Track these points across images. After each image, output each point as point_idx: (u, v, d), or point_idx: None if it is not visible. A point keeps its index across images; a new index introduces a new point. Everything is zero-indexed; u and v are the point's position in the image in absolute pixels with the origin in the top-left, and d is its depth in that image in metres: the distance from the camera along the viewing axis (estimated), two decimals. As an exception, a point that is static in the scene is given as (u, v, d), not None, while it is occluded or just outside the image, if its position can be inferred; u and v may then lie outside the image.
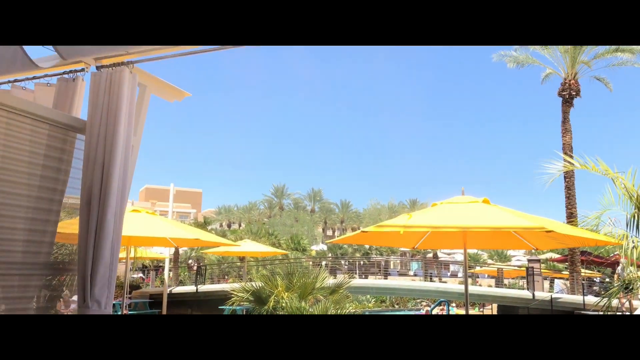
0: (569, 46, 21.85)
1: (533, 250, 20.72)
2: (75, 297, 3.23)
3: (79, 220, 3.28)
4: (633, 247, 6.38)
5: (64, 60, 3.60)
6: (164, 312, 16.63)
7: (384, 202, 77.46)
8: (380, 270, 36.39)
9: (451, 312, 19.88)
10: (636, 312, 9.85)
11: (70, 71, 3.74)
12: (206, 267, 28.03)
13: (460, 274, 42.43)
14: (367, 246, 48.12)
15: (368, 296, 27.85)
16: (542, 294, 18.73)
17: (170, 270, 23.50)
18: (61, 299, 3.59)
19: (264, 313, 9.67)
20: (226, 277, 33.14)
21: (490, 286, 27.32)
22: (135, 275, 32.07)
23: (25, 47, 3.53)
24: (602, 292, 15.61)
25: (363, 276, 30.98)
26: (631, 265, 7.02)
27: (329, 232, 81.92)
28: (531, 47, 23.25)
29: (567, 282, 21.81)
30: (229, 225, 76.21)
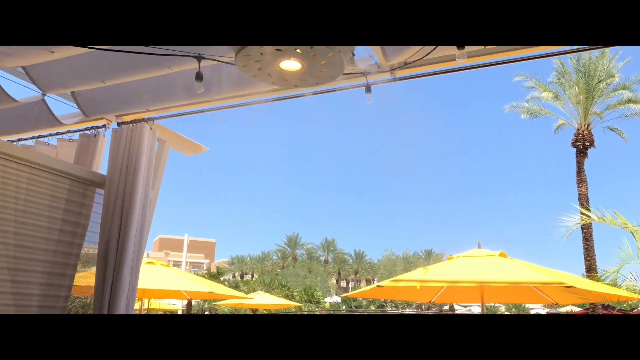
0: (581, 97, 22.02)
1: (553, 304, 20.17)
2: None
3: (95, 272, 3.29)
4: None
5: (86, 117, 3.72)
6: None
7: (399, 253, 76.53)
8: (395, 323, 35.48)
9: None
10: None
11: (92, 127, 3.85)
12: (218, 319, 27.59)
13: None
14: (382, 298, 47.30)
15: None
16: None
17: (182, 322, 23.15)
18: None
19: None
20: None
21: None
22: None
23: (50, 104, 3.67)
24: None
25: (378, 329, 30.22)
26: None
27: (343, 284, 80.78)
28: (543, 99, 23.47)
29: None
30: (241, 276, 75.60)
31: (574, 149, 22.69)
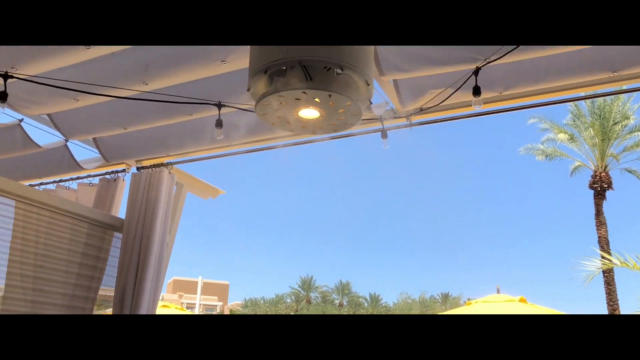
0: (597, 139, 21.94)
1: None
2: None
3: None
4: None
5: (107, 162, 3.79)
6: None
7: (415, 296, 75.09)
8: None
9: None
10: None
11: (112, 172, 3.92)
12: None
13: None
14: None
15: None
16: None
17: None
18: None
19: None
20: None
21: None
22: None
23: (72, 149, 3.75)
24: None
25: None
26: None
27: (358, 328, 79.06)
28: (558, 140, 23.40)
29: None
30: (255, 319, 74.47)
31: (592, 191, 22.44)
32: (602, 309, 20.55)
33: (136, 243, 3.46)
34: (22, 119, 3.41)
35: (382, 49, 2.48)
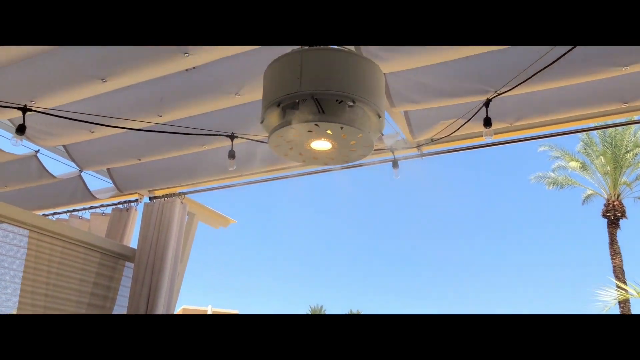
0: (609, 167, 21.79)
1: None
2: None
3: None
4: None
5: (120, 192, 3.82)
6: None
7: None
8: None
9: None
10: None
11: (125, 201, 3.95)
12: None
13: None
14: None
15: None
16: None
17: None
18: None
19: None
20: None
21: None
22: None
23: (85, 179, 3.80)
24: None
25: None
26: None
27: (369, 359, 77.90)
28: (569, 168, 23.27)
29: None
30: (264, 350, 73.67)
31: (604, 220, 22.19)
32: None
33: (147, 272, 3.46)
34: (38, 149, 3.47)
35: (393, 81, 2.51)
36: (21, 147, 3.44)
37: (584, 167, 22.93)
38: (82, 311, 3.37)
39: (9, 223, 3.06)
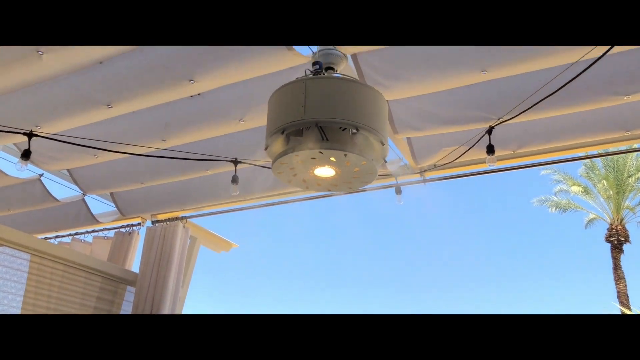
0: (611, 192, 21.74)
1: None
2: None
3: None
4: None
5: (123, 216, 3.83)
6: None
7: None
8: None
9: None
10: None
11: (128, 225, 3.95)
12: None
13: None
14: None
15: None
16: None
17: None
18: None
19: None
20: None
21: None
22: None
23: (88, 202, 3.81)
24: None
25: None
26: None
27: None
28: (572, 192, 23.21)
29: None
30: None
31: (608, 244, 22.05)
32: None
33: (149, 296, 3.44)
34: (42, 173, 3.49)
35: (396, 108, 2.52)
36: (25, 171, 3.47)
37: (586, 191, 22.88)
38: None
39: (10, 247, 3.05)
